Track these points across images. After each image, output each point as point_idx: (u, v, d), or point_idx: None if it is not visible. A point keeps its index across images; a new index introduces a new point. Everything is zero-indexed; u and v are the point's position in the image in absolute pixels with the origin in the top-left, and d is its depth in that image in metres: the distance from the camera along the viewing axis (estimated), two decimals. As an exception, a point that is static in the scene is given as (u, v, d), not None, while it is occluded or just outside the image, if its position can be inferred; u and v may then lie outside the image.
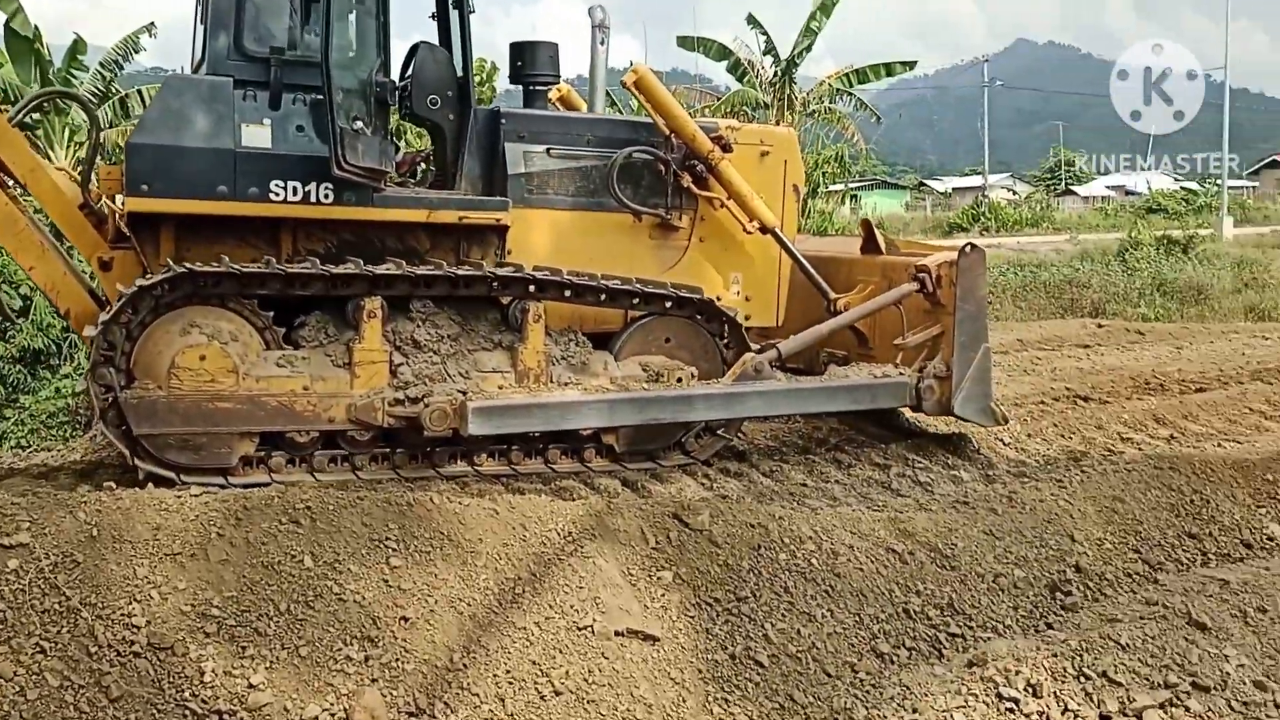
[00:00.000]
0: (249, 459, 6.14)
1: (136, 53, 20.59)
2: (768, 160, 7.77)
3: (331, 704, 3.79)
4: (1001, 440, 7.68)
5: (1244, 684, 4.29)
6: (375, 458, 6.41)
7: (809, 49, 26.02)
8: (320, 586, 4.12)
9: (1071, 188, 70.43)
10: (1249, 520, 5.94)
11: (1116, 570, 5.48)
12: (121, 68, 20.68)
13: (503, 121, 7.10)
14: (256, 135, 6.25)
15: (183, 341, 5.95)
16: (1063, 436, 7.78)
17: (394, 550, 4.33)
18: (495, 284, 6.52)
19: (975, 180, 69.04)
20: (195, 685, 3.75)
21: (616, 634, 4.21)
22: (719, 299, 7.19)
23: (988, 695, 4.19)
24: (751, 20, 26.35)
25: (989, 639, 4.80)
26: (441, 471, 6.43)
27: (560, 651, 4.07)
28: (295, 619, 4.01)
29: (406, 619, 4.07)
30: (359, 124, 6.25)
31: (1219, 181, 39.96)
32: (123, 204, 6.20)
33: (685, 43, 26.41)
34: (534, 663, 4.01)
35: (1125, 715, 4.14)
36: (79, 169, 6.94)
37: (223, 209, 6.21)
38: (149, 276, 5.91)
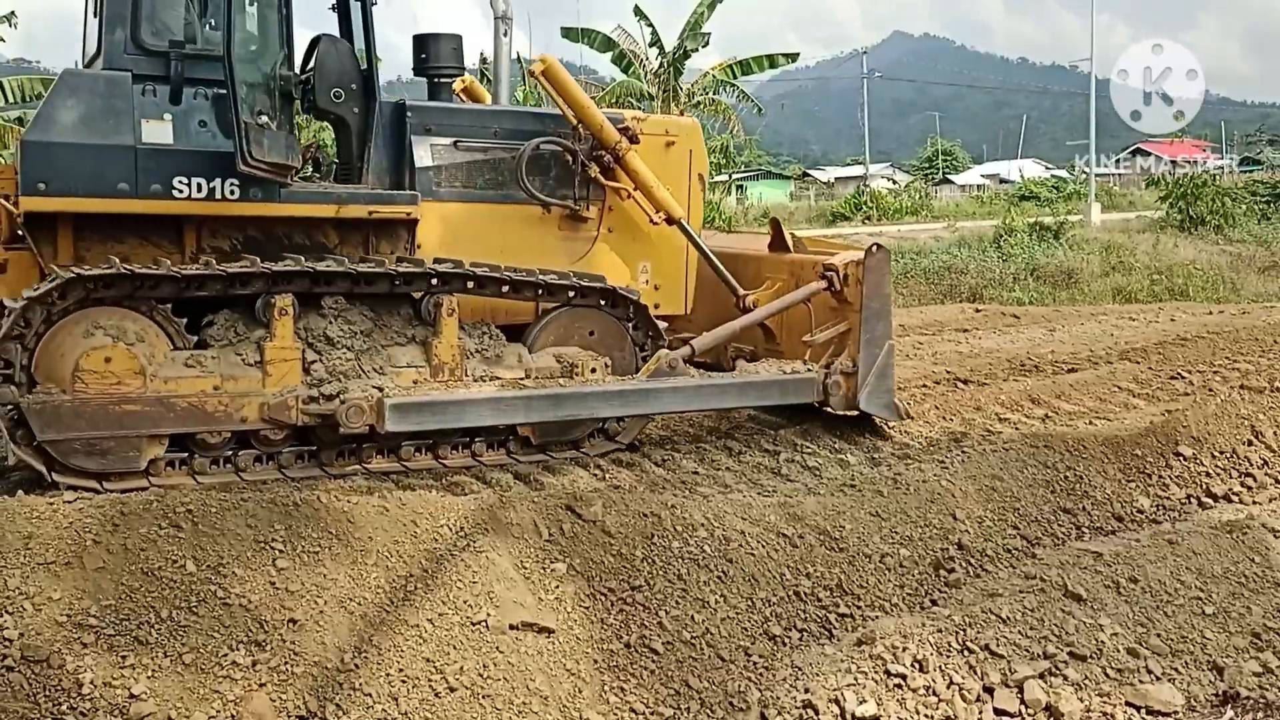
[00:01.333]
0: (158, 461, 6.01)
1: (-3, 44, 19.69)
2: (673, 150, 7.85)
3: (218, 711, 3.69)
4: (887, 424, 7.86)
5: (1118, 651, 4.47)
6: (300, 455, 6.38)
7: (706, 44, 26.22)
8: (203, 591, 4.01)
9: (949, 176, 72.45)
10: (1120, 494, 6.20)
11: (997, 546, 5.66)
12: (-19, 58, 19.73)
13: (409, 115, 7.04)
14: (158, 131, 6.13)
15: (86, 344, 5.78)
16: (944, 418, 8.00)
17: (280, 551, 4.23)
18: (399, 280, 6.45)
19: (857, 170, 70.55)
20: (74, 698, 3.61)
21: (511, 627, 4.19)
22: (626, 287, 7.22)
23: (877, 672, 4.29)
24: (638, 12, 26.42)
25: (877, 617, 4.90)
26: (369, 467, 6.43)
27: (454, 647, 4.03)
28: (178, 625, 3.89)
29: (295, 621, 3.98)
30: (264, 118, 6.12)
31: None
32: (17, 204, 6.03)
33: (570, 34, 26.35)
34: (427, 660, 3.96)
35: (1008, 686, 4.27)
36: None
37: (124, 207, 6.09)
38: (38, 287, 5.71)
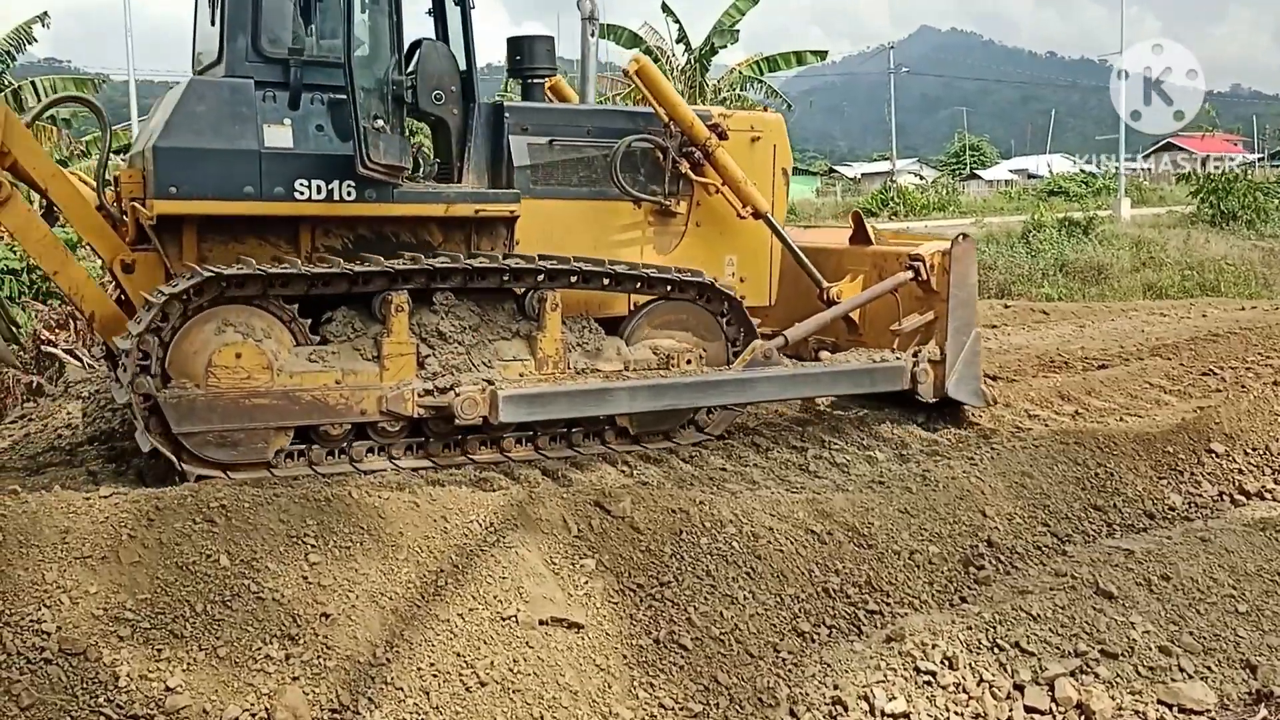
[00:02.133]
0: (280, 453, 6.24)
1: (30, 43, 19.92)
2: (758, 145, 8.04)
3: (252, 704, 3.73)
4: (914, 420, 7.84)
5: (1150, 649, 4.44)
6: (409, 447, 6.59)
7: (735, 41, 26.19)
8: (237, 585, 4.05)
9: (976, 172, 71.98)
10: (1151, 491, 6.16)
11: (1026, 543, 5.64)
12: (14, 59, 19.99)
13: (506, 115, 7.25)
14: (279, 135, 6.39)
15: (218, 340, 6.04)
16: (973, 415, 7.96)
17: (313, 546, 4.27)
18: (520, 276, 6.71)
19: (883, 166, 70.17)
20: (110, 690, 3.66)
21: (540, 623, 4.21)
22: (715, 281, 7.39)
23: (906, 669, 4.29)
24: (665, 8, 26.40)
25: (906, 614, 4.90)
26: (474, 458, 6.66)
27: (484, 642, 4.06)
28: (212, 619, 3.93)
29: (327, 615, 4.02)
30: (379, 122, 6.36)
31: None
32: (149, 206, 6.24)
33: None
34: (458, 654, 3.99)
35: (1038, 684, 4.26)
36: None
37: (250, 209, 6.36)
38: (176, 284, 5.93)
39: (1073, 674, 4.29)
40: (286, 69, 6.46)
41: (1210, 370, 8.83)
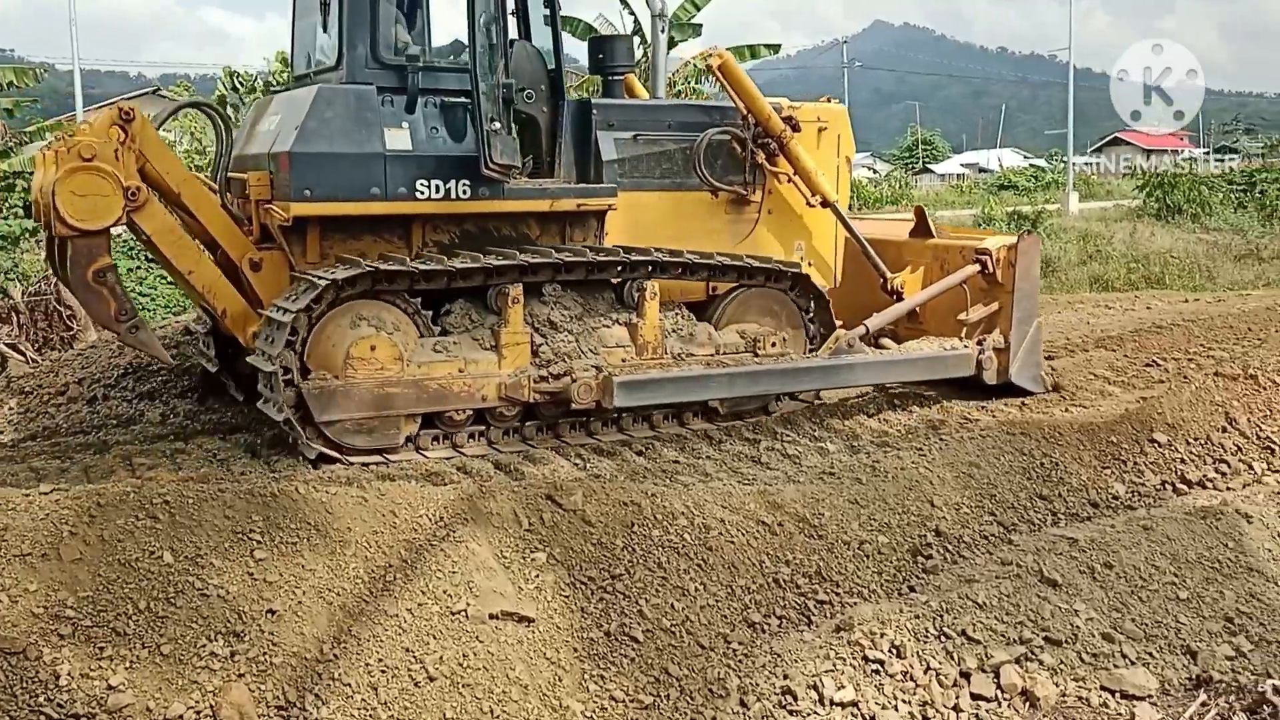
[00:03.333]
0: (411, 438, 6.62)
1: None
2: (825, 136, 8.43)
3: (197, 702, 3.68)
4: (865, 411, 7.90)
5: (1093, 636, 4.52)
6: (507, 431, 6.94)
7: (698, 35, 26.15)
8: (181, 582, 4.00)
9: (929, 166, 72.62)
10: (1095, 481, 6.25)
11: (974, 533, 5.70)
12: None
13: (594, 112, 7.55)
14: (399, 139, 6.73)
15: (354, 334, 6.40)
16: (922, 405, 8.04)
17: (258, 542, 4.22)
18: (633, 267, 7.21)
19: (837, 159, 70.33)
20: (51, 689, 3.59)
21: (491, 617, 4.20)
22: None
23: (855, 658, 4.33)
24: (622, 1, 26.31)
25: (855, 604, 4.94)
26: (568, 441, 7.03)
27: (434, 637, 4.04)
28: (156, 616, 3.88)
29: (273, 611, 3.98)
30: (496, 125, 6.72)
31: (1065, 159, 41.70)
32: (285, 208, 6.51)
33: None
34: (407, 650, 3.96)
35: (984, 671, 4.32)
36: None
37: (377, 209, 6.72)
38: (333, 273, 6.29)
39: (1018, 661, 4.35)
40: (403, 74, 6.77)
41: (1153, 361, 8.97)
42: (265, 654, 3.86)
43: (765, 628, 4.75)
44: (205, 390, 8.06)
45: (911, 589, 5.11)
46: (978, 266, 8.19)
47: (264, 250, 6.88)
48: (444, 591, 4.24)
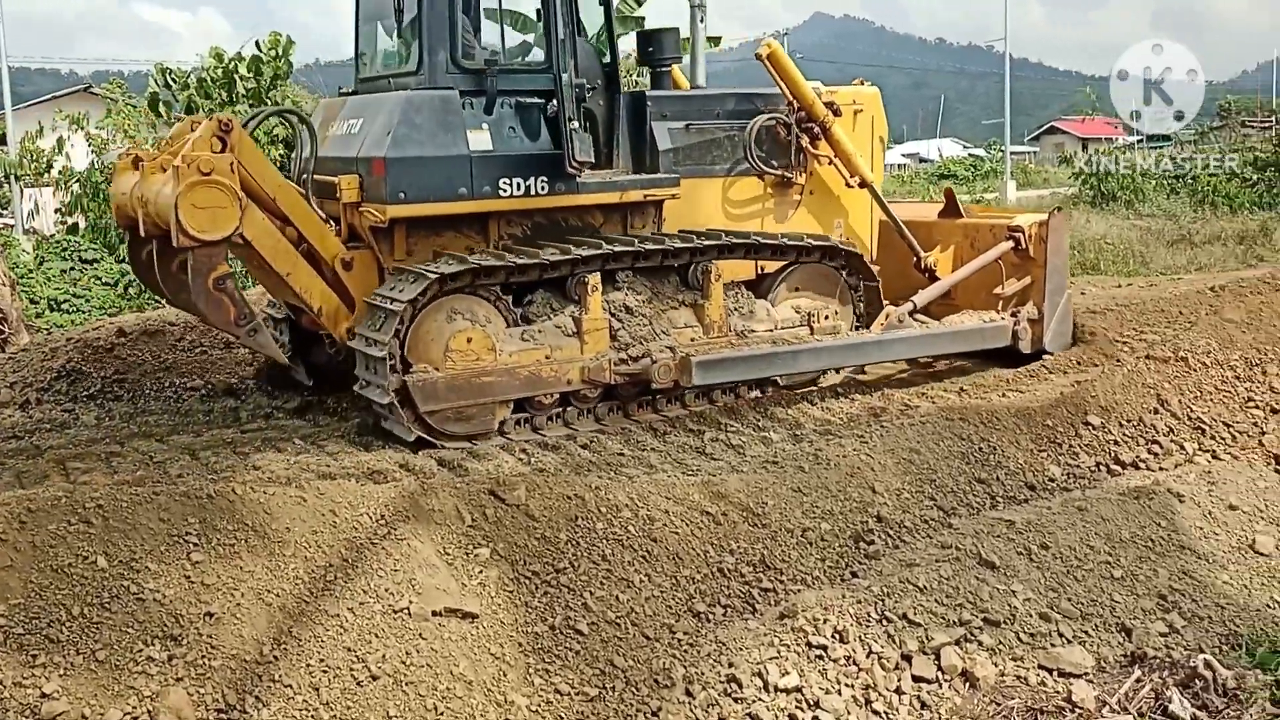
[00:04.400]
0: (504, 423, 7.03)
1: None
2: (860, 118, 8.93)
3: (134, 707, 3.62)
4: (808, 401, 7.96)
5: (1030, 616, 4.59)
6: (583, 412, 7.39)
7: (639, 25, 26.07)
8: (116, 587, 3.92)
9: (871, 156, 72.97)
10: (1032, 464, 6.35)
11: (914, 518, 5.77)
12: None
13: (649, 103, 7.94)
14: (480, 140, 7.09)
15: (451, 327, 6.79)
16: (864, 393, 8.12)
17: (195, 545, 4.16)
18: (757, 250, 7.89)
19: (780, 151, 70.61)
20: (-19, 700, 3.52)
21: (434, 614, 4.17)
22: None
23: (798, 645, 4.36)
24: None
25: (799, 591, 4.98)
26: (637, 419, 7.50)
27: (376, 636, 4.01)
28: (90, 622, 3.80)
29: (212, 614, 3.92)
30: (574, 124, 7.16)
31: (1002, 148, 42.24)
32: (381, 210, 6.89)
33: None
34: (349, 649, 3.93)
35: (925, 653, 4.37)
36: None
37: (466, 208, 7.11)
38: (441, 268, 6.68)
39: (957, 643, 4.41)
40: (480, 78, 7.13)
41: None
42: (203, 657, 3.81)
43: (710, 617, 4.77)
44: (271, 380, 8.44)
45: (854, 574, 5.16)
46: (1011, 243, 8.68)
47: (353, 250, 7.20)
48: (386, 589, 4.21)
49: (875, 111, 9.12)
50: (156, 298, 8.75)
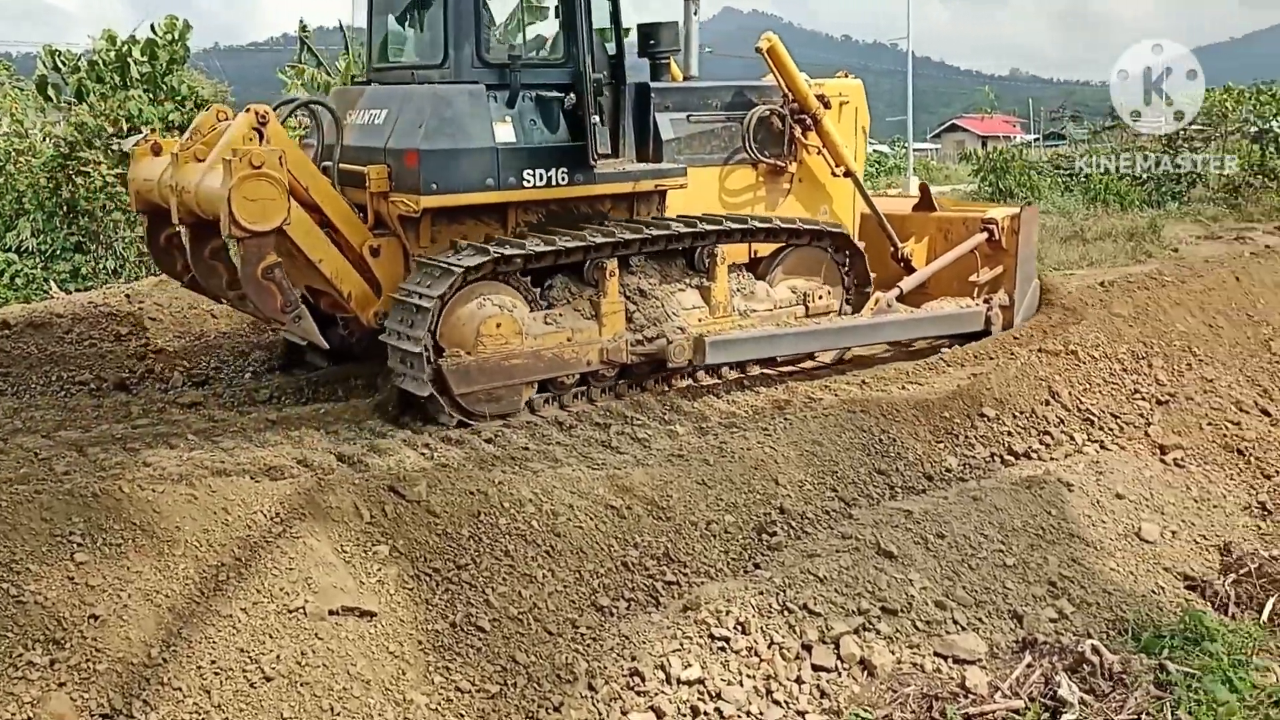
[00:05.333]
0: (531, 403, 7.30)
1: None
2: (845, 110, 9.29)
3: (14, 713, 3.48)
4: (714, 394, 7.99)
5: (926, 604, 4.69)
6: (603, 389, 7.67)
7: (544, 16, 25.85)
8: (-6, 591, 3.77)
9: (778, 151, 73.64)
10: (930, 455, 6.47)
11: (816, 509, 5.84)
12: None
13: (652, 95, 8.19)
14: (504, 132, 7.29)
15: (482, 313, 6.99)
16: (769, 386, 8.19)
17: (79, 545, 4.01)
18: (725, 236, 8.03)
19: (689, 144, 70.88)
20: None
21: (331, 613, 4.09)
22: None
23: (701, 636, 4.39)
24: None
25: (702, 583, 5.01)
26: (651, 392, 7.79)
27: (270, 636, 3.92)
28: (-34, 628, 3.65)
29: (96, 617, 3.79)
30: (596, 118, 7.38)
31: (905, 144, 43.00)
32: (414, 200, 7.01)
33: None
34: (241, 650, 3.83)
35: (825, 643, 4.44)
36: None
37: (491, 198, 7.29)
38: (473, 258, 6.86)
39: (856, 631, 4.49)
40: (503, 72, 7.33)
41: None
42: (88, 661, 3.68)
43: (613, 611, 4.77)
44: (288, 361, 8.68)
45: (757, 566, 5.21)
46: (985, 234, 9.17)
47: (380, 237, 7.37)
48: (280, 589, 4.11)
49: (859, 103, 9.54)
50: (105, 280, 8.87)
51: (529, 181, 7.38)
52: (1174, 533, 5.65)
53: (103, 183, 12.39)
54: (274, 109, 7.19)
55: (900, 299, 8.90)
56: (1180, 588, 5.25)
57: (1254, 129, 24.18)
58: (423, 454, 6.54)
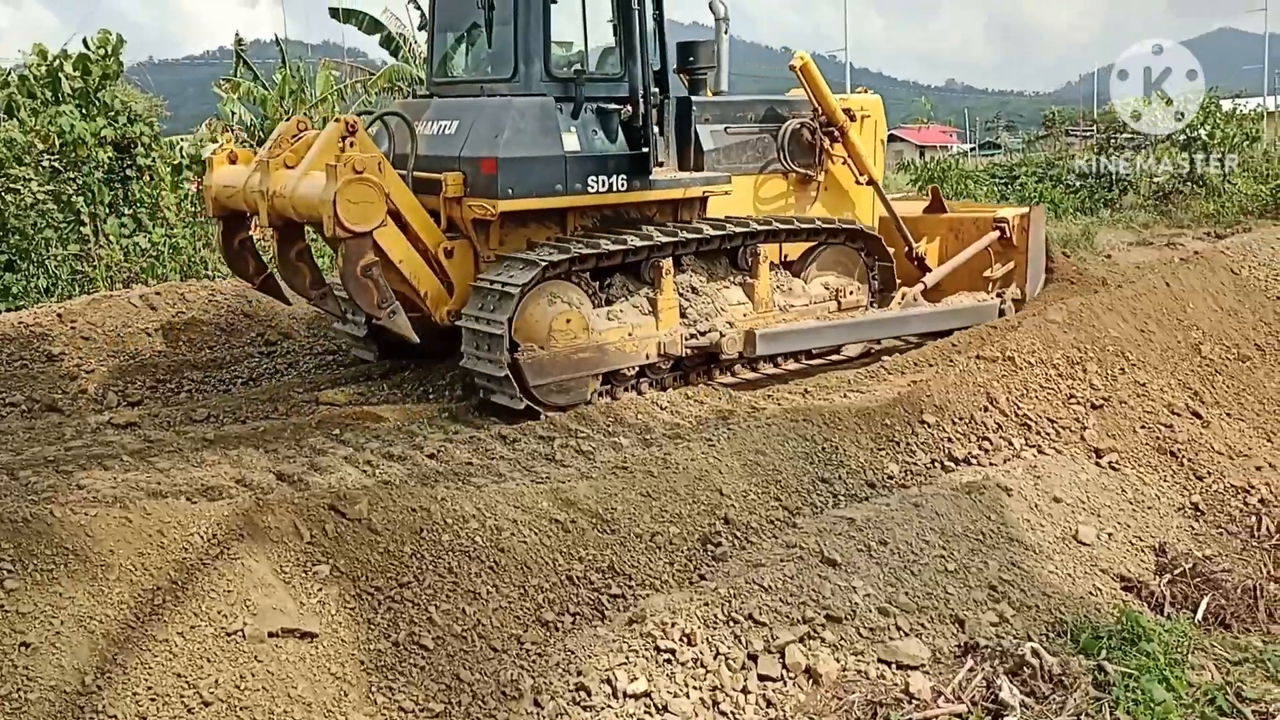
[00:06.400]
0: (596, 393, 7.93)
1: None
2: (866, 123, 10.10)
3: (-60, 750, 3.39)
4: (658, 405, 8.01)
5: (870, 611, 4.71)
6: (654, 382, 8.38)
7: None
8: (-82, 621, 3.66)
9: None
10: (872, 462, 6.53)
11: (760, 518, 5.86)
12: None
13: (693, 108, 8.90)
14: (570, 142, 7.92)
15: (553, 310, 7.64)
16: (713, 397, 8.22)
17: (9, 572, 3.91)
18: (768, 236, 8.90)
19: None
20: None
21: (270, 635, 4.03)
22: None
23: (647, 649, 4.37)
24: (410, -2, 25.70)
25: (648, 596, 5.00)
26: (693, 383, 8.53)
27: (208, 660, 3.84)
28: (-112, 661, 3.54)
29: (28, 644, 3.70)
30: (655, 129, 8.11)
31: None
32: (493, 205, 7.63)
33: (335, 14, 25.38)
34: (179, 675, 3.76)
35: (770, 652, 4.44)
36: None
37: (560, 202, 7.96)
38: (549, 256, 7.48)
39: (801, 640, 4.50)
40: (567, 85, 8.02)
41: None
42: (19, 690, 3.59)
43: (559, 626, 4.75)
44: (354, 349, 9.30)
45: (702, 577, 5.21)
46: (997, 233, 10.02)
47: (452, 240, 7.94)
48: (218, 612, 4.04)
49: (878, 117, 10.32)
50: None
51: (592, 187, 8.00)
52: (1110, 535, 5.74)
53: (34, 200, 12.14)
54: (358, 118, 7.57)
55: (926, 293, 9.71)
56: (1117, 589, 5.34)
57: (1183, 137, 24.71)
58: (364, 471, 6.49)
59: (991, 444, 6.65)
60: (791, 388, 8.53)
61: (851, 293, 9.41)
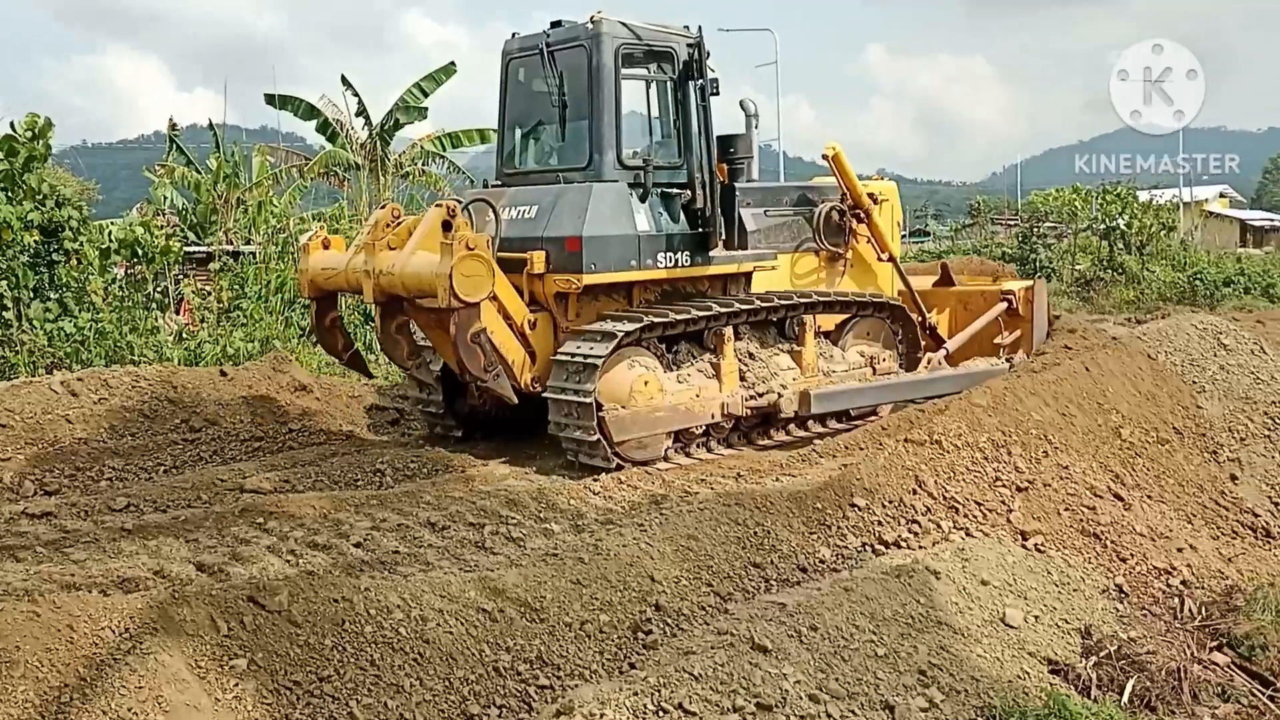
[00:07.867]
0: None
1: None
2: (884, 206, 11.15)
3: None
4: (591, 490, 7.97)
5: (800, 699, 4.68)
6: (719, 440, 9.31)
7: (423, 118, 25.93)
8: None
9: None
10: (804, 546, 6.52)
11: (692, 604, 5.81)
12: None
13: (736, 193, 9.76)
14: (642, 222, 8.81)
15: (632, 374, 8.52)
16: (646, 482, 8.20)
17: (-95, 672, 3.74)
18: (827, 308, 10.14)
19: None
20: None
21: (183, 733, 3.89)
22: None
23: (575, 742, 4.28)
24: (344, 81, 25.89)
25: (576, 686, 4.91)
26: (753, 441, 9.56)
27: (115, 762, 3.69)
28: None
29: (-79, 750, 3.53)
30: (718, 212, 9.01)
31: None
32: (578, 279, 8.50)
33: (272, 100, 25.46)
34: (83, 779, 3.60)
35: (700, 743, 4.37)
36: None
37: (634, 276, 8.90)
38: (628, 327, 8.34)
39: (731, 730, 4.44)
40: (637, 173, 8.90)
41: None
42: (-91, 800, 3.41)
43: (484, 719, 4.64)
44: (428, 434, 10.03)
45: (632, 666, 5.13)
46: (1005, 304, 11.32)
47: (535, 312, 8.73)
48: (129, 710, 3.89)
49: (894, 201, 11.50)
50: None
51: (661, 263, 8.90)
52: (1037, 617, 5.78)
53: (-45, 282, 11.88)
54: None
55: (949, 358, 10.67)
56: (1044, 672, 5.36)
57: (1102, 226, 25.52)
58: (287, 561, 6.34)
59: (920, 527, 6.70)
60: (725, 471, 8.54)
61: (885, 360, 10.41)
